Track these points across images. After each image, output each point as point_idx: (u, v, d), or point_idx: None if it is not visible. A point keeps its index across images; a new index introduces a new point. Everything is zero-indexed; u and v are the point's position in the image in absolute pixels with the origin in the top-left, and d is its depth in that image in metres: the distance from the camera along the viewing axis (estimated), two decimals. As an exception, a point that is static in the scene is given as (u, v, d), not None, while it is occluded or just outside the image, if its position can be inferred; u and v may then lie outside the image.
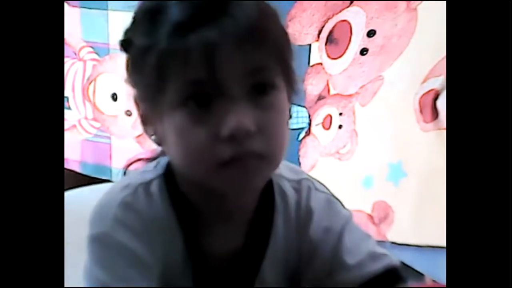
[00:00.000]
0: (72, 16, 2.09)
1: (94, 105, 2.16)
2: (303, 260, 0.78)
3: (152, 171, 0.77)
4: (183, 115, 0.66)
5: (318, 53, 2.02)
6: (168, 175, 0.76)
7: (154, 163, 0.78)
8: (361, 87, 1.99)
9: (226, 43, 0.64)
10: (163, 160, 0.77)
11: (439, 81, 1.84)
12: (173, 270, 0.75)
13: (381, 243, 2.03)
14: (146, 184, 0.75)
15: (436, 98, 1.87)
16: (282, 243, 0.78)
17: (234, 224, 0.76)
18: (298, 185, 0.80)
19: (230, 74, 0.65)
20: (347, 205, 0.87)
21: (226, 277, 0.76)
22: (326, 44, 2.00)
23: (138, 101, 0.73)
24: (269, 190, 0.77)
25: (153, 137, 0.74)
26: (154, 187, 0.75)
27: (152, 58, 0.66)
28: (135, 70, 0.71)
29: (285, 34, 0.71)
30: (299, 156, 2.09)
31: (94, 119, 2.17)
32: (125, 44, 0.72)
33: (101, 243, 0.71)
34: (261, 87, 0.67)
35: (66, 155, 2.14)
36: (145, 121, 0.74)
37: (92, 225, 0.73)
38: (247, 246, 0.77)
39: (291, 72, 0.72)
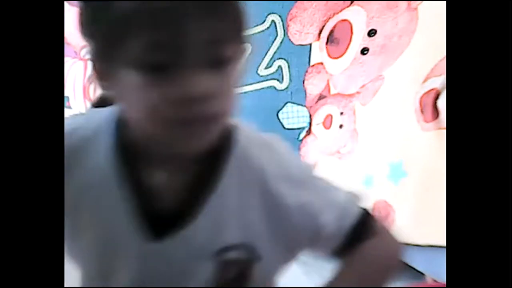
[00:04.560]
0: (73, 15, 2.09)
1: (94, 105, 2.17)
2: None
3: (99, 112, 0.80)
4: (140, 76, 0.68)
5: (319, 53, 2.02)
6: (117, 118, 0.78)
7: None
8: (362, 86, 1.99)
9: (192, 11, 0.66)
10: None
11: (440, 80, 1.84)
12: (102, 186, 0.76)
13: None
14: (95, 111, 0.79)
15: (436, 97, 1.87)
16: (234, 197, 0.78)
17: (181, 167, 0.77)
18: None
19: (192, 40, 0.67)
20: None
21: (170, 217, 0.77)
22: (326, 43, 2.01)
23: (94, 55, 0.74)
24: (221, 142, 0.77)
25: (109, 91, 0.75)
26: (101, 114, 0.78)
27: (115, 13, 0.67)
28: (93, 22, 0.71)
29: (242, 8, 0.72)
30: (299, 155, 2.10)
31: (95, 118, 2.18)
32: None
33: None
34: (218, 56, 0.69)
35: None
36: (100, 77, 0.74)
37: None
38: (192, 187, 0.77)
39: (244, 43, 0.74)
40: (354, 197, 0.84)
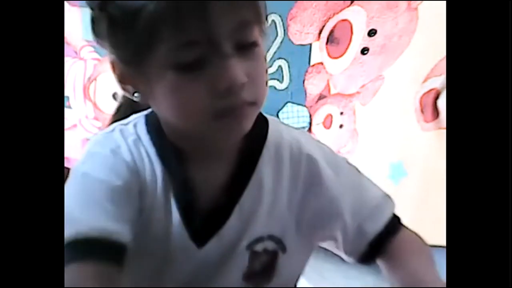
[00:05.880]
0: (73, 15, 2.09)
1: (95, 105, 2.17)
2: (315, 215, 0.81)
3: (132, 118, 0.80)
4: (177, 75, 0.68)
5: (319, 53, 2.02)
6: (150, 120, 0.78)
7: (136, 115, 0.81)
8: (362, 86, 2.00)
9: (217, 1, 0.66)
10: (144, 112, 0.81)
11: (440, 80, 1.84)
12: (154, 200, 0.76)
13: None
14: (124, 125, 0.79)
15: (437, 97, 1.87)
16: (269, 188, 0.80)
17: (219, 162, 0.78)
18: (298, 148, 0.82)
19: (222, 31, 0.67)
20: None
21: (209, 212, 0.78)
22: (327, 43, 2.01)
23: (117, 61, 0.74)
24: (255, 133, 0.78)
25: (136, 94, 0.75)
26: (131, 128, 0.78)
27: (142, 20, 0.67)
28: (116, 31, 0.71)
29: None
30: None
31: (95, 118, 2.18)
32: (101, 5, 0.72)
33: (72, 176, 0.74)
34: (245, 41, 0.70)
35: (67, 154, 2.14)
36: (125, 81, 0.75)
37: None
38: (230, 182, 0.78)
39: (265, 26, 0.75)
40: (385, 197, 0.85)
